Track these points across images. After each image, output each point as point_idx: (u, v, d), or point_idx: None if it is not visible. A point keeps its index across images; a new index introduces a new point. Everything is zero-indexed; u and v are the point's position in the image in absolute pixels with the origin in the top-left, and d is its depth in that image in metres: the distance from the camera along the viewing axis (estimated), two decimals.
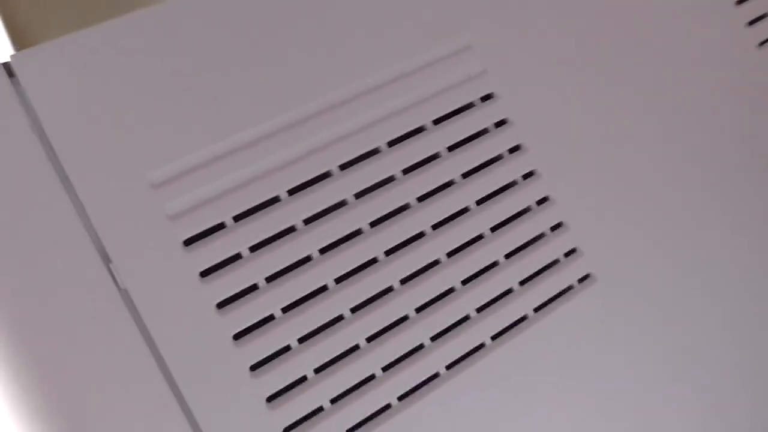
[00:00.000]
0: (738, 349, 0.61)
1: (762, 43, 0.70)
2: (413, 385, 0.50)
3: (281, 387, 0.47)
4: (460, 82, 0.56)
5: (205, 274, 0.47)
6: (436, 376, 0.51)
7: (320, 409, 0.48)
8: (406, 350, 0.51)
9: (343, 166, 0.52)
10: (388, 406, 0.49)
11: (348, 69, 0.53)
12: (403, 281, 0.52)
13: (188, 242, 0.47)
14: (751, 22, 0.69)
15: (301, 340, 0.48)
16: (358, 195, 0.52)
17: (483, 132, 0.57)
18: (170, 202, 0.47)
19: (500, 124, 0.57)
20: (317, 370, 0.48)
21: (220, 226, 0.48)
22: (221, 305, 0.47)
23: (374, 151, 0.53)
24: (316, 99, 0.51)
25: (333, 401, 0.48)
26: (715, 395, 0.60)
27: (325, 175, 0.51)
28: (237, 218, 0.49)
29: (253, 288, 0.48)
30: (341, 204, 0.51)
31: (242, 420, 0.45)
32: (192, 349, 0.45)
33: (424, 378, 0.51)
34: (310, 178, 0.51)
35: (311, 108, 0.51)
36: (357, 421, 0.48)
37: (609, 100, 0.60)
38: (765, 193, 0.66)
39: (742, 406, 0.61)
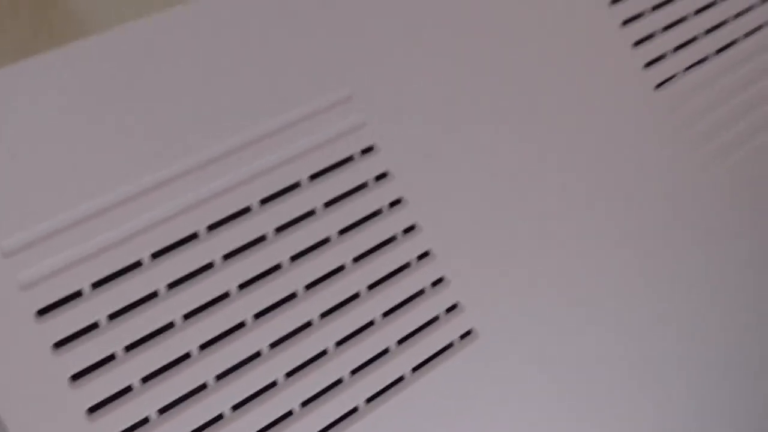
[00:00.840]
0: (624, 404, 0.61)
1: (659, 86, 0.69)
2: None
3: None
4: (339, 135, 0.55)
5: (59, 344, 0.45)
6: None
7: None
8: (277, 416, 0.49)
9: (212, 227, 0.50)
10: None
11: (218, 126, 0.51)
12: (274, 345, 0.50)
13: (42, 312, 0.46)
14: (648, 65, 0.69)
15: (162, 411, 0.47)
16: (227, 256, 0.50)
17: (363, 186, 0.55)
18: (23, 270, 0.45)
19: (380, 177, 0.56)
20: None
21: (77, 295, 0.46)
22: (75, 377, 0.45)
23: (245, 210, 0.52)
24: (181, 158, 0.50)
25: None
26: None
27: (192, 237, 0.50)
28: (95, 285, 0.47)
29: (111, 358, 0.47)
30: (208, 266, 0.50)
31: None
32: (43, 422, 0.44)
33: None
34: (175, 240, 0.49)
35: (177, 168, 0.50)
36: None
37: (496, 150, 0.60)
38: (658, 242, 0.65)
39: None
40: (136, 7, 0.68)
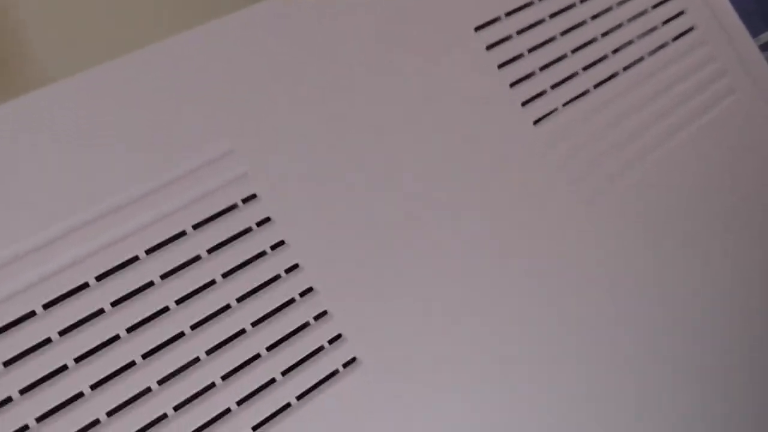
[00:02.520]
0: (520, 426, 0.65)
1: (537, 121, 0.75)
2: None
3: None
4: (222, 185, 0.60)
5: None
6: None
7: None
8: None
9: (100, 277, 0.56)
10: None
11: (106, 183, 0.56)
12: (161, 381, 0.55)
13: None
14: (524, 103, 0.74)
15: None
16: (115, 303, 0.55)
17: (246, 231, 0.61)
18: None
19: (262, 222, 0.61)
20: None
21: None
22: None
23: (134, 259, 0.57)
24: (73, 213, 0.55)
25: None
26: None
27: (84, 286, 0.55)
28: None
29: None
30: (99, 312, 0.55)
31: None
32: None
33: None
34: (66, 290, 0.54)
35: (71, 221, 0.55)
36: None
37: (375, 192, 0.65)
38: (537, 278, 0.70)
39: None
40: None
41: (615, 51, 0.82)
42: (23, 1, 0.71)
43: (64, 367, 0.53)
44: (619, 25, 0.83)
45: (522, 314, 0.68)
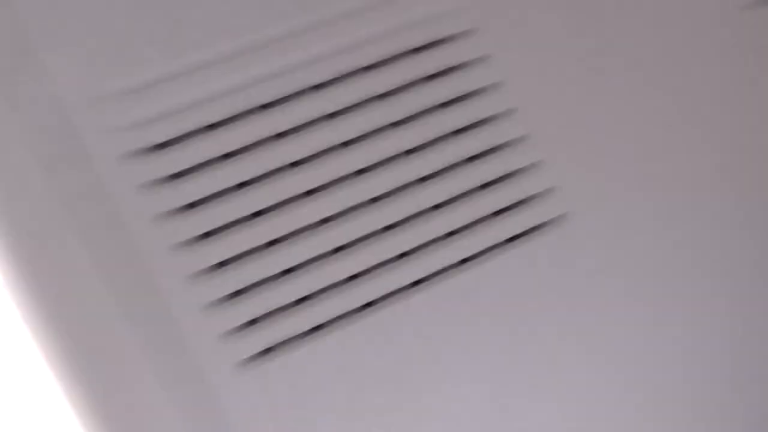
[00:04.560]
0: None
1: (745, 6, 0.70)
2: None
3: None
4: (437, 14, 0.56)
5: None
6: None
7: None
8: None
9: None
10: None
11: None
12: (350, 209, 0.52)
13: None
14: None
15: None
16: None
17: (460, 65, 0.57)
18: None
19: (478, 60, 0.57)
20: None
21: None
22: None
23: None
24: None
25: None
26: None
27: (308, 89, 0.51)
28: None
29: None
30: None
31: None
32: None
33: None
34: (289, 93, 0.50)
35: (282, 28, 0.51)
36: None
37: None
38: None
39: None
40: None
41: None
42: None
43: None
44: None
45: None
